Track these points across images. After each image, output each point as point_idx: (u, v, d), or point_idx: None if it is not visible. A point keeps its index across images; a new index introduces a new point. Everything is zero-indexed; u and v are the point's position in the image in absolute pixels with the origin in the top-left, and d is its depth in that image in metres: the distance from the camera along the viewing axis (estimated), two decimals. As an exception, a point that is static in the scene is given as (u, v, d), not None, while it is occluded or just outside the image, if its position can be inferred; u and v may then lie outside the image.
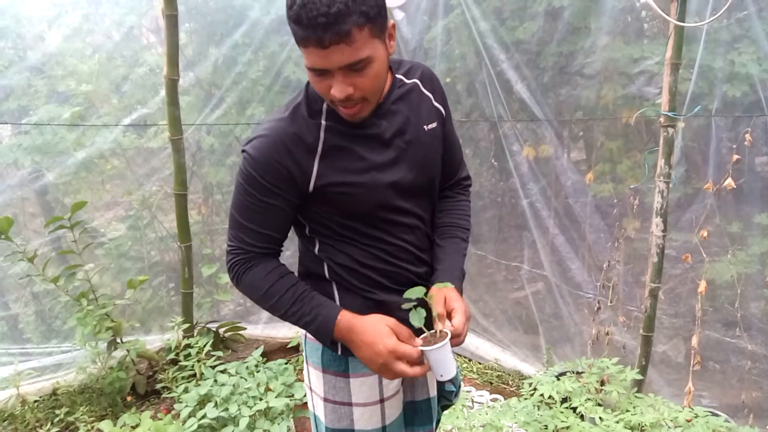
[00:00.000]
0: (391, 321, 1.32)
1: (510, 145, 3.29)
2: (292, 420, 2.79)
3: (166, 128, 3.16)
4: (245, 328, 3.61)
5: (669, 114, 2.57)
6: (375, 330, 1.30)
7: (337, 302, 1.44)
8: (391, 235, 1.43)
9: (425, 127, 1.43)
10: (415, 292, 1.33)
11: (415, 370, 1.28)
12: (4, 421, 2.94)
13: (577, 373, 2.75)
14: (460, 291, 1.44)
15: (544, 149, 3.30)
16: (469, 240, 1.57)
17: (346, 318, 1.33)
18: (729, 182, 2.58)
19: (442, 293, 1.38)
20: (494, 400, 3.10)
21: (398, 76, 1.43)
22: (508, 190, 3.68)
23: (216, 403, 2.72)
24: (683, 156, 2.90)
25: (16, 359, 3.12)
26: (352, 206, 1.38)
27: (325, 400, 1.48)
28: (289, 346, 3.63)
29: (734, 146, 2.63)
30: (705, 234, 2.67)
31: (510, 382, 3.36)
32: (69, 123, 3.21)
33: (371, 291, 1.44)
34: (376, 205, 1.38)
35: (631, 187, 2.97)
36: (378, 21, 1.21)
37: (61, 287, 3.01)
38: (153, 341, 3.50)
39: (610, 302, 3.01)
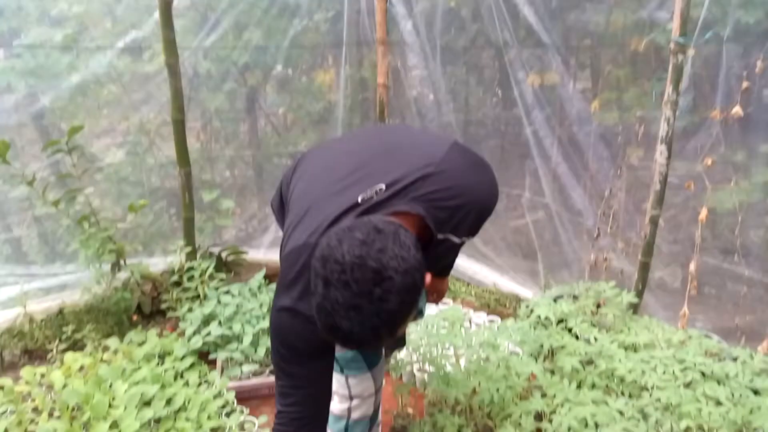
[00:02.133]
0: None
1: (515, 72, 3.22)
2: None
3: (161, 52, 3.09)
4: (247, 252, 3.65)
5: (679, 40, 2.50)
6: None
7: None
8: None
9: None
10: None
11: None
12: (14, 337, 3.01)
13: (574, 297, 2.80)
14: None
15: (550, 77, 3.24)
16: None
17: None
18: (737, 110, 2.54)
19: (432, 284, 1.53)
20: (491, 321, 3.16)
21: (440, 237, 1.35)
22: (511, 119, 3.63)
23: (220, 321, 2.79)
24: (692, 84, 2.84)
25: (22, 280, 3.16)
26: None
27: None
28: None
29: (745, 74, 2.57)
30: (709, 162, 2.66)
31: (507, 305, 3.42)
32: (62, 45, 3.13)
33: None
34: None
35: (638, 114, 2.93)
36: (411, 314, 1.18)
37: (62, 211, 3.02)
38: (156, 264, 3.54)
39: (610, 229, 3.03)
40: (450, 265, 1.78)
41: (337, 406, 1.57)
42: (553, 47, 3.10)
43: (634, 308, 2.81)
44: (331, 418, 1.58)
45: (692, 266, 2.72)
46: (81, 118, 3.34)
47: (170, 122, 3.21)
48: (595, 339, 2.36)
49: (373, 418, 1.62)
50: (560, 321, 2.51)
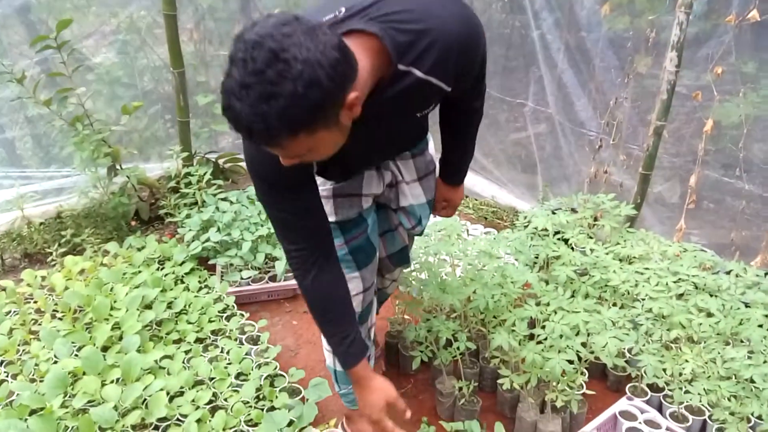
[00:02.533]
0: (392, 396, 1.49)
1: (525, -31, 3.05)
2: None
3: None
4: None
5: (700, -64, 2.35)
6: (375, 398, 1.49)
7: None
8: (355, 165, 1.56)
9: (418, 114, 1.38)
10: None
11: None
12: (13, 240, 3.03)
13: (572, 209, 2.80)
14: (462, 180, 1.80)
15: (560, -23, 3.07)
16: (476, 134, 1.71)
17: (362, 367, 1.49)
18: (753, 14, 2.42)
19: (441, 192, 1.81)
20: (488, 233, 3.18)
21: (401, 67, 1.20)
22: (517, 23, 3.48)
23: (219, 228, 2.79)
24: (708, -15, 2.70)
25: (17, 182, 3.14)
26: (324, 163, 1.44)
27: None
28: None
29: (765, -25, 2.43)
30: (719, 72, 2.57)
31: (504, 218, 3.43)
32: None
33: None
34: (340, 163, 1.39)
35: (650, 18, 2.80)
36: (317, 122, 1.05)
37: (55, 111, 2.94)
38: (153, 169, 3.51)
39: (613, 140, 2.98)
40: (458, 163, 1.76)
41: None
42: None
43: (632, 221, 2.82)
44: None
45: (692, 180, 2.70)
46: (68, 14, 3.18)
47: (161, 22, 3.07)
48: (591, 250, 2.37)
49: (361, 315, 1.69)
50: (557, 233, 2.52)
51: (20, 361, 2.14)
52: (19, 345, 2.25)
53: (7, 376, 2.11)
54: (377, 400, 1.49)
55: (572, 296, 2.08)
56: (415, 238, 2.03)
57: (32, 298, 2.58)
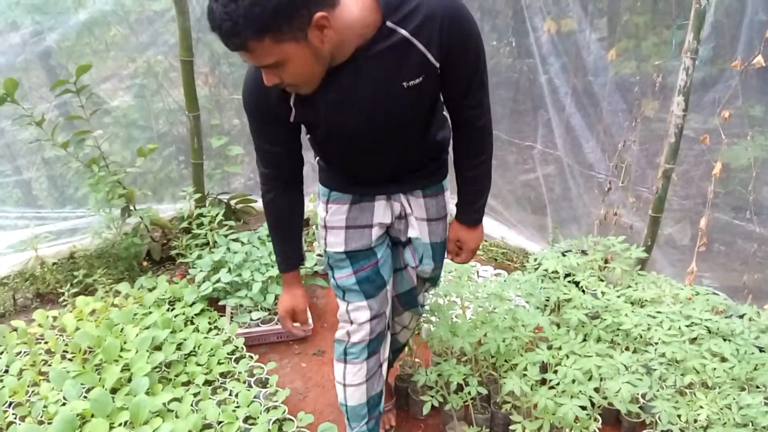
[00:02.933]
0: (300, 307, 1.81)
1: (532, 17, 3.12)
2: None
3: (168, -12, 3.02)
4: (256, 201, 3.65)
5: (703, -15, 2.40)
6: (287, 301, 1.79)
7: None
8: (360, 162, 1.62)
9: (404, 84, 1.37)
10: None
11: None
12: (26, 280, 3.06)
13: (582, 251, 2.79)
14: (477, 221, 1.72)
15: (567, 23, 3.14)
16: (483, 171, 1.66)
17: (292, 276, 1.78)
18: (759, 60, 2.46)
19: (454, 233, 1.76)
20: (498, 274, 3.17)
21: (388, 24, 1.28)
22: (525, 68, 3.55)
23: (230, 268, 2.81)
24: (713, 31, 2.75)
25: (32, 223, 3.18)
26: (324, 140, 1.57)
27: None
28: (299, 218, 3.69)
29: (769, 20, 2.48)
30: (726, 115, 2.60)
31: (514, 259, 3.43)
32: (68, -20, 3.06)
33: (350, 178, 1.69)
34: (341, 146, 1.56)
35: (656, 63, 2.85)
36: (281, 29, 1.16)
37: (72, 153, 3.01)
38: (165, 210, 3.55)
39: (622, 183, 3.00)
40: (469, 199, 1.69)
41: (339, 331, 1.78)
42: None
43: (642, 264, 2.80)
44: (335, 345, 1.80)
45: (703, 222, 2.70)
46: (88, 59, 3.28)
47: (178, 67, 3.16)
48: (602, 293, 2.36)
49: (371, 345, 1.76)
50: (567, 275, 2.51)
51: (29, 403, 2.14)
52: (28, 386, 2.24)
53: (15, 418, 2.10)
54: (288, 304, 1.79)
55: (584, 340, 2.07)
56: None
57: (43, 339, 2.59)
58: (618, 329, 2.19)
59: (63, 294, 2.86)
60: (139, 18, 3.44)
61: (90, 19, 3.18)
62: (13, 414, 2.11)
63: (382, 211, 1.70)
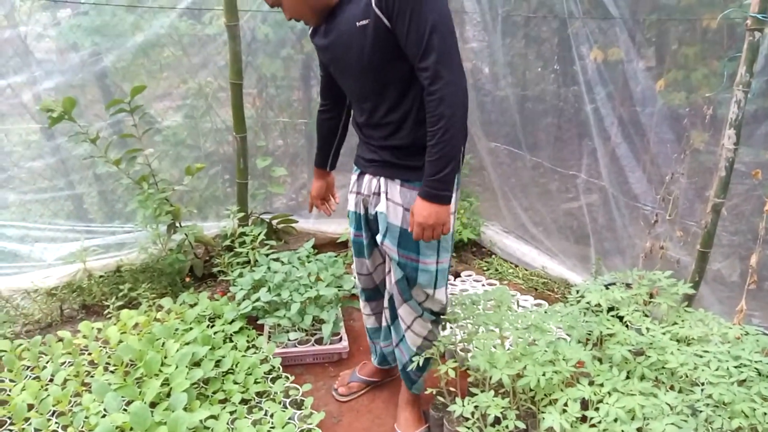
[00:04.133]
0: (326, 192, 2.43)
1: (578, 45, 3.10)
2: (339, 308, 2.89)
3: (221, 15, 3.11)
4: (297, 221, 3.69)
5: (758, 16, 2.35)
6: (317, 186, 2.41)
7: None
8: (356, 111, 2.02)
9: (357, 23, 1.68)
10: None
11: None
12: (73, 292, 3.15)
13: (627, 284, 2.73)
14: (431, 196, 1.72)
15: (614, 52, 3.11)
16: (441, 140, 1.67)
17: (320, 170, 2.36)
18: (815, 95, 2.39)
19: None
20: (538, 304, 3.12)
21: None
22: (570, 96, 3.52)
23: (269, 288, 2.84)
24: (767, 64, 2.68)
25: (82, 236, 3.29)
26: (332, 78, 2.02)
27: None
28: (339, 241, 3.71)
29: (825, 54, 2.41)
30: (781, 150, 2.52)
31: (555, 290, 3.37)
32: (127, 4, 3.18)
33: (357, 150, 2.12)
34: (342, 86, 1.99)
35: (706, 95, 2.79)
36: None
37: (123, 170, 3.11)
38: (209, 228, 3.63)
39: (669, 216, 2.92)
40: (429, 174, 1.70)
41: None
42: (620, 20, 2.96)
43: (689, 300, 2.72)
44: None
45: (753, 259, 2.60)
46: (141, 79, 3.40)
47: (227, 88, 3.24)
48: (647, 329, 2.29)
49: (364, 295, 2.33)
50: (611, 309, 2.45)
51: (71, 413, 2.19)
52: (71, 396, 2.30)
53: (58, 427, 2.15)
54: (317, 188, 2.40)
55: (627, 377, 2.01)
56: (434, 295, 2.09)
57: (87, 350, 2.65)
58: (663, 367, 2.12)
59: (108, 306, 2.94)
60: (192, 41, 3.56)
61: (146, 41, 3.30)
62: (56, 423, 2.17)
63: (365, 184, 2.04)
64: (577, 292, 2.54)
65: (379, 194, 1.97)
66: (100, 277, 3.23)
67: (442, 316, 2.18)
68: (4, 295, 3.03)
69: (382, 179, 1.95)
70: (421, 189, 1.74)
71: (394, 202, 1.92)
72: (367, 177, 2.03)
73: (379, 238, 2.00)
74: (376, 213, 1.99)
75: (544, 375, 1.87)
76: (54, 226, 3.29)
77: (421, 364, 2.16)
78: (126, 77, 3.47)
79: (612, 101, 3.08)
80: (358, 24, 1.67)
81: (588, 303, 2.39)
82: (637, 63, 3.07)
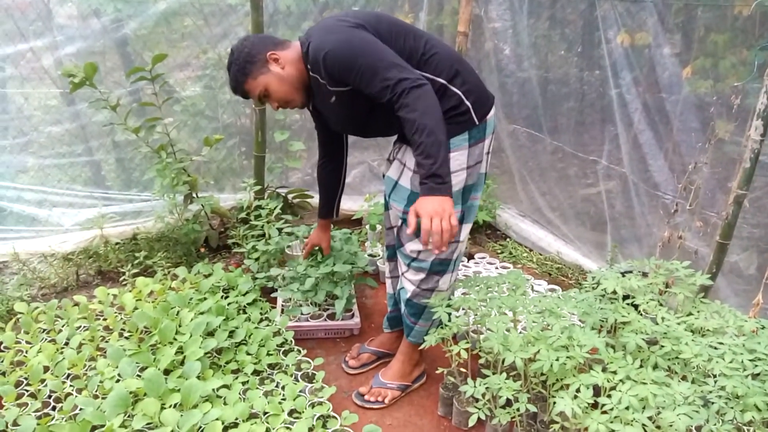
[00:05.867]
0: (321, 242, 2.74)
1: (606, 29, 3.04)
2: (353, 285, 2.89)
3: (244, -17, 3.08)
4: (313, 196, 3.68)
5: (794, 5, 2.29)
6: (313, 237, 2.76)
7: None
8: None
9: (330, 102, 2.00)
10: None
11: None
12: (90, 258, 3.18)
13: (643, 273, 2.70)
14: (430, 190, 1.80)
15: (642, 37, 3.04)
16: (421, 140, 1.78)
17: (323, 222, 2.71)
18: None
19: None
20: (552, 290, 3.11)
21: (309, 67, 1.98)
22: (594, 80, 3.46)
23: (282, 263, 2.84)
24: (799, 54, 2.62)
25: (100, 203, 3.31)
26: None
27: None
28: (354, 218, 3.70)
29: None
30: (808, 142, 2.47)
31: (569, 275, 3.36)
32: (150, -30, 3.16)
33: None
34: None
35: (734, 85, 2.73)
36: (252, 71, 1.99)
37: (142, 138, 3.11)
38: (226, 200, 3.63)
39: (690, 205, 2.89)
40: (421, 167, 1.79)
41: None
42: (651, 3, 2.90)
43: (705, 291, 2.69)
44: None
45: (774, 253, 2.57)
46: (162, 48, 3.39)
47: (247, 60, 3.20)
48: (663, 319, 2.28)
49: (387, 247, 2.49)
50: (626, 297, 2.43)
51: (86, 377, 2.22)
52: (86, 360, 2.33)
53: (73, 390, 2.19)
54: (314, 238, 2.73)
55: (640, 366, 2.00)
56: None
57: (102, 315, 2.68)
58: (677, 358, 2.11)
59: (124, 273, 2.96)
60: (213, 10, 3.52)
61: (168, 9, 3.28)
62: (71, 386, 2.20)
63: (395, 151, 2.22)
64: (593, 278, 2.52)
65: (393, 161, 2.19)
66: (116, 244, 3.25)
67: (437, 275, 2.19)
68: (22, 258, 3.06)
69: (404, 147, 2.13)
70: (420, 188, 1.82)
71: (408, 167, 2.08)
72: (397, 145, 2.22)
73: (386, 198, 2.28)
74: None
75: (557, 360, 1.87)
76: (72, 192, 3.31)
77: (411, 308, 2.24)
78: (146, 45, 3.45)
79: (637, 87, 3.03)
80: (331, 102, 1.99)
81: (604, 290, 2.38)
82: (664, 48, 3.01)
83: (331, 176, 2.48)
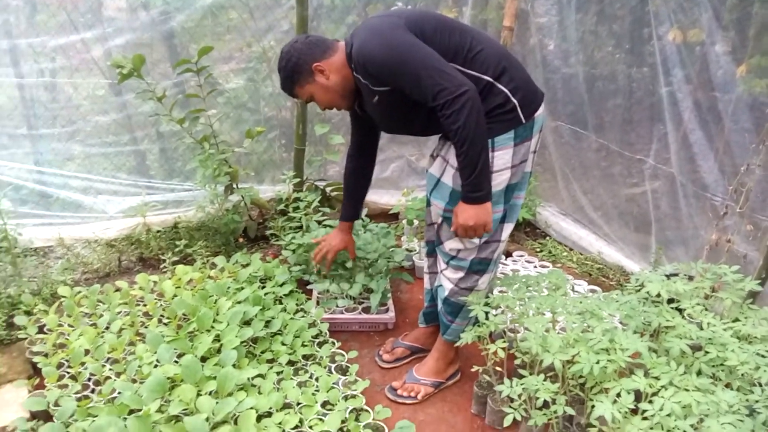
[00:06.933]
0: (337, 244, 2.64)
1: (658, 24, 2.95)
2: (388, 280, 2.88)
3: (290, -23, 3.09)
4: (351, 190, 3.68)
5: None
6: (329, 238, 2.67)
7: None
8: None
9: (373, 102, 2.01)
10: None
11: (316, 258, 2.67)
12: (132, 245, 3.25)
13: (689, 277, 2.61)
14: (468, 199, 1.92)
15: (695, 33, 2.94)
16: (461, 150, 1.84)
17: (343, 225, 2.65)
18: None
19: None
20: (592, 290, 3.04)
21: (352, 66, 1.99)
22: (643, 77, 3.36)
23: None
24: None
25: (143, 191, 3.38)
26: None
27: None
28: (391, 212, 3.69)
29: None
30: None
31: (610, 276, 3.27)
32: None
33: None
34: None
35: (793, 84, 2.62)
36: (299, 80, 2.04)
37: (186, 129, 3.15)
38: (265, 191, 3.67)
39: (740, 208, 2.78)
40: (463, 178, 1.88)
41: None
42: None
43: (753, 297, 2.59)
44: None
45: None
46: (207, 41, 3.43)
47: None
48: (708, 324, 2.19)
49: (427, 243, 2.42)
50: (670, 300, 2.35)
51: (125, 361, 2.27)
52: (126, 345, 2.38)
53: (112, 373, 2.23)
54: (331, 240, 2.64)
55: (684, 372, 1.93)
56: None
57: (143, 301, 2.74)
58: (722, 364, 2.03)
59: (164, 261, 3.01)
60: (258, 4, 3.55)
61: (214, 2, 3.32)
62: (110, 369, 2.25)
63: (438, 147, 2.16)
64: (637, 280, 2.44)
65: (437, 157, 2.13)
66: (158, 232, 3.31)
67: (476, 274, 2.17)
68: (67, 243, 3.15)
69: (448, 143, 2.06)
70: (461, 195, 1.93)
71: (451, 165, 2.03)
72: (442, 141, 2.16)
73: (427, 195, 2.21)
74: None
75: (598, 363, 1.82)
76: (117, 180, 3.38)
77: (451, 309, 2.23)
78: (193, 38, 3.50)
79: (689, 84, 2.93)
80: (374, 102, 2.00)
81: (648, 293, 2.30)
82: (720, 46, 2.90)
83: (359, 174, 2.47)
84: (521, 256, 3.48)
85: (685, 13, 2.92)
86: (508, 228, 2.16)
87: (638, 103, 3.36)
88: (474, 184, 1.88)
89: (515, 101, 1.94)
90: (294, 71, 2.01)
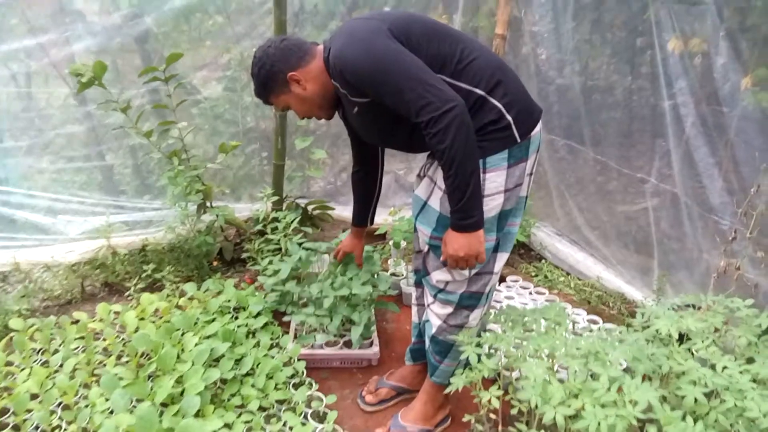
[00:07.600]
0: (354, 248, 2.57)
1: (660, 34, 2.76)
2: (372, 310, 2.66)
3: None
4: (334, 209, 3.47)
5: None
6: (345, 242, 2.58)
7: None
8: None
9: (353, 112, 1.84)
10: None
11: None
12: (96, 269, 3.00)
13: (693, 306, 2.41)
14: (457, 227, 1.72)
15: (697, 44, 2.75)
16: (449, 173, 1.64)
17: (355, 230, 2.54)
18: None
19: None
20: (592, 321, 2.83)
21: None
22: (643, 90, 3.17)
23: (299, 280, 2.62)
24: None
25: (109, 211, 3.13)
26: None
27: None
28: (377, 233, 3.46)
29: None
30: None
31: (610, 304, 3.07)
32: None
33: None
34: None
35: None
36: (274, 89, 1.85)
37: (154, 143, 2.92)
38: (241, 210, 3.44)
39: (750, 233, 2.58)
40: (451, 203, 1.68)
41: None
42: (713, 6, 2.61)
43: (765, 331, 2.39)
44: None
45: None
46: (184, 46, 3.21)
47: (269, 61, 3.00)
48: (724, 368, 1.99)
49: (415, 272, 2.22)
50: (680, 337, 2.15)
51: (77, 408, 2.03)
52: (80, 387, 2.14)
53: (62, 422, 2.00)
54: (347, 244, 2.55)
55: (696, 421, 1.72)
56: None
57: (102, 336, 2.50)
58: (741, 415, 1.82)
59: (130, 288, 2.78)
60: (237, 8, 3.33)
61: (187, 5, 3.09)
62: (60, 418, 2.01)
63: (426, 167, 1.96)
64: (642, 315, 2.24)
65: (424, 177, 1.94)
66: (125, 255, 3.07)
67: (466, 309, 1.97)
68: (24, 268, 2.89)
69: (436, 162, 1.87)
70: (450, 222, 1.73)
71: (439, 186, 1.83)
72: (429, 160, 1.97)
73: (413, 219, 1.99)
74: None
75: (605, 418, 1.61)
76: (80, 199, 3.13)
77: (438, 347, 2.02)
78: (167, 43, 3.27)
79: (693, 98, 2.73)
80: (353, 112, 1.84)
81: (656, 330, 2.10)
82: (726, 57, 2.71)
83: (365, 184, 2.31)
84: (515, 281, 3.27)
85: (690, 22, 2.74)
86: (501, 258, 1.95)
87: (639, 117, 3.16)
88: (464, 210, 1.67)
89: (510, 118, 1.73)
90: (268, 79, 1.82)
